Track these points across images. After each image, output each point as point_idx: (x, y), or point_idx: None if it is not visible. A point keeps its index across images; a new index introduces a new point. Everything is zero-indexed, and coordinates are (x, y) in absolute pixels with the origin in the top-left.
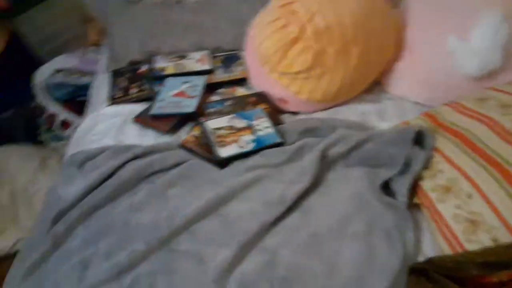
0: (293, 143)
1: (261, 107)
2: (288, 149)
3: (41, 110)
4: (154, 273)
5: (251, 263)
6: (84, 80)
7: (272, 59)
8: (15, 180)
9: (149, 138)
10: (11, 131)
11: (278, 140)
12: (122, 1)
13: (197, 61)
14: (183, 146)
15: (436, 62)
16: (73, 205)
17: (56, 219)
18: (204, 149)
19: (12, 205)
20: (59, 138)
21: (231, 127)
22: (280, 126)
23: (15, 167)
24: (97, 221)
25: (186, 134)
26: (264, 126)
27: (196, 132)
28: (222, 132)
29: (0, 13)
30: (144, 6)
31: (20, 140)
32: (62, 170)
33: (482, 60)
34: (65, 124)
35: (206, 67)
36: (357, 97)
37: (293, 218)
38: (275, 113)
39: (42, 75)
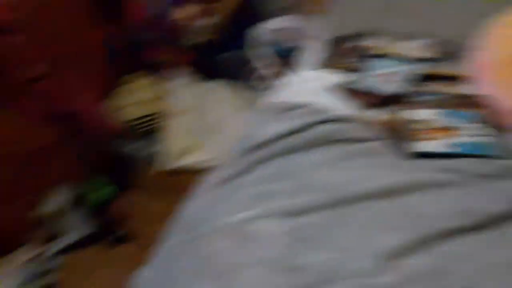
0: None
1: (474, 111)
2: (498, 163)
3: (248, 60)
4: (318, 226)
5: (422, 262)
6: (292, 43)
7: (507, 65)
8: (217, 109)
9: (344, 107)
10: (225, 70)
11: (495, 153)
12: None
13: (415, 48)
14: (377, 125)
15: None
16: (263, 145)
17: (247, 152)
18: (398, 135)
19: (211, 129)
20: (256, 89)
21: (435, 122)
22: (495, 138)
23: (220, 99)
24: (278, 164)
25: (384, 114)
26: (479, 133)
27: (394, 115)
28: (423, 125)
29: None
30: None
31: (229, 79)
32: (261, 112)
33: None
34: (264, 78)
35: (423, 55)
36: None
37: (484, 238)
38: (493, 123)
39: (260, 30)
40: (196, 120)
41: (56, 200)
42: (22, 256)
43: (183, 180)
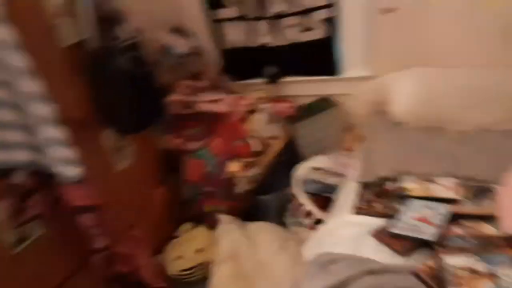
0: None
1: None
2: None
3: (292, 198)
4: None
5: None
6: (333, 180)
7: None
8: (260, 252)
9: (384, 254)
10: (267, 210)
11: None
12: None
13: (445, 188)
14: (416, 275)
15: None
16: None
17: None
18: (438, 284)
19: (253, 273)
20: (299, 224)
21: (473, 271)
22: None
23: (263, 240)
24: None
25: (421, 261)
26: None
27: (431, 263)
28: (461, 272)
29: (288, 120)
30: (406, 128)
31: (270, 219)
32: (307, 265)
33: None
34: (308, 214)
35: (453, 195)
36: None
37: None
38: None
39: (301, 170)
40: (241, 265)
41: None
42: None
43: None
